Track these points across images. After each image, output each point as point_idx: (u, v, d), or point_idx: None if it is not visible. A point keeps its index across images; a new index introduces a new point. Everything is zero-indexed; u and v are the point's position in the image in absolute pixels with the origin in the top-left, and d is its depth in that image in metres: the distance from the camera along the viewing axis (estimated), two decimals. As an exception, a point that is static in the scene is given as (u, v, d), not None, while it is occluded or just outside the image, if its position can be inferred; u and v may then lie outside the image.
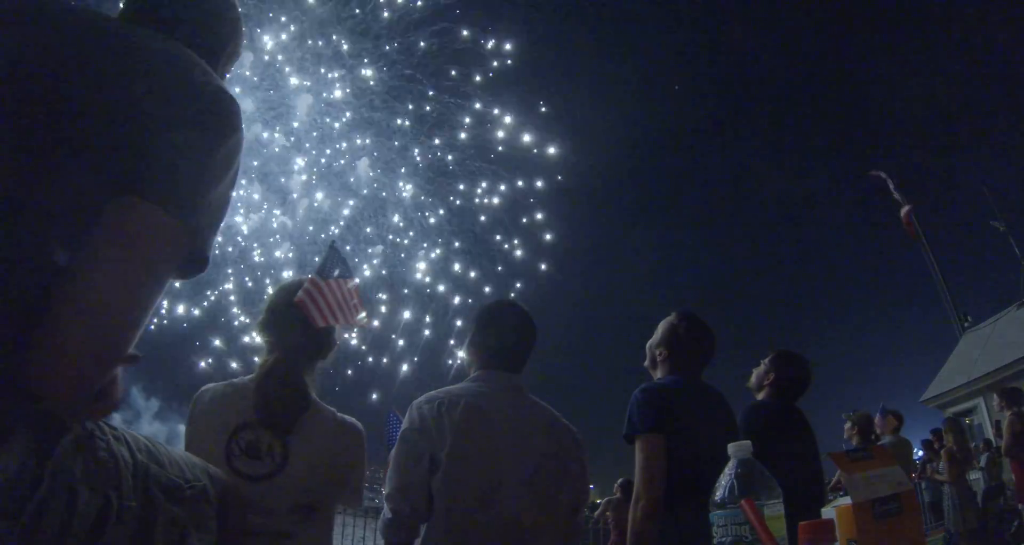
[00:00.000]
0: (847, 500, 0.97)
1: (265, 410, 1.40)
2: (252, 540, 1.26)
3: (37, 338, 0.63)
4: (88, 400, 0.66)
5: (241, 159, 0.80)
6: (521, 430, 1.62)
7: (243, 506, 1.09)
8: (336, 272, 1.68)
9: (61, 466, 0.59)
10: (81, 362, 0.63)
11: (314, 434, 1.45)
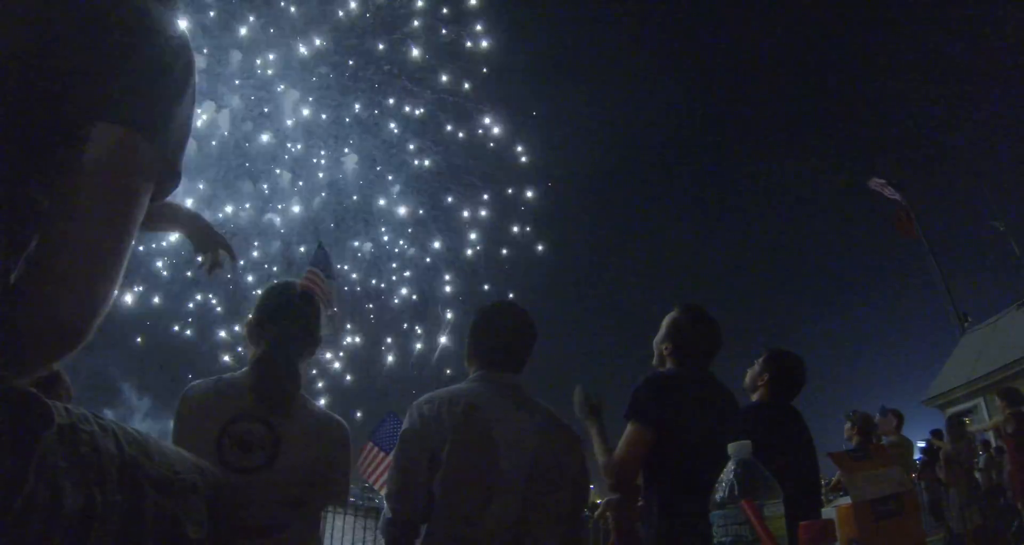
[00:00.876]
0: (847, 500, 0.97)
1: (260, 393, 1.44)
2: (242, 535, 1.27)
3: (25, 275, 0.63)
4: (83, 337, 0.65)
5: (195, 81, 0.82)
6: (521, 430, 1.62)
7: (234, 501, 1.09)
8: (320, 271, 1.75)
9: (45, 462, 0.58)
10: (75, 293, 0.63)
11: (303, 428, 1.48)
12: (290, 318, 1.56)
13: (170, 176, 0.76)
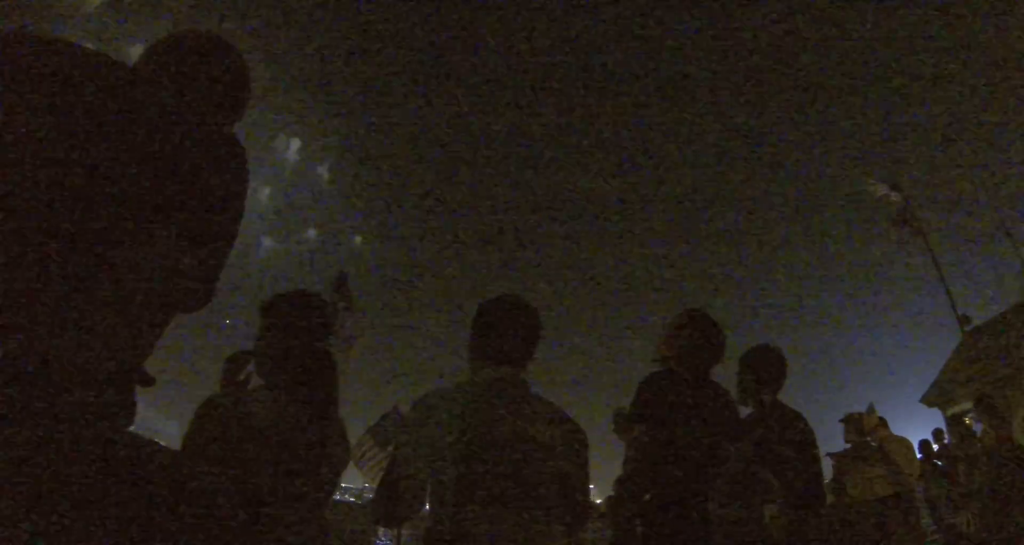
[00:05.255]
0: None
1: (314, 404, 1.59)
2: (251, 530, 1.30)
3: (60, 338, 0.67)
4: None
5: (244, 202, 0.90)
6: (524, 427, 1.62)
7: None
8: (342, 305, 1.89)
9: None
10: (92, 373, 0.68)
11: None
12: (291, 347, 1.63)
13: (204, 289, 0.83)
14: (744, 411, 2.60)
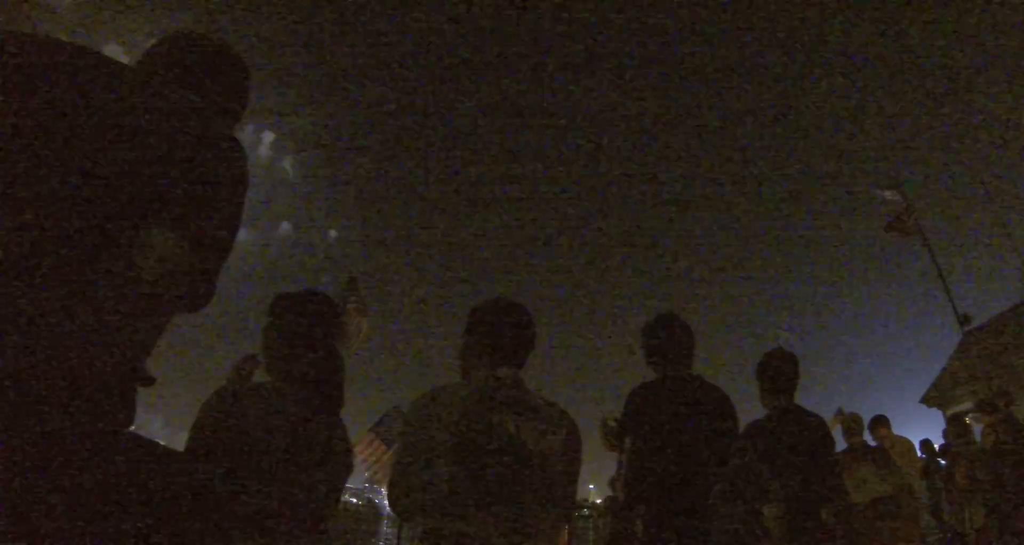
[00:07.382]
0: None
1: (327, 396, 1.63)
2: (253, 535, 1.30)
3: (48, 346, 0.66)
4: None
5: (246, 197, 0.90)
6: (521, 426, 1.63)
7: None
8: (352, 300, 1.91)
9: None
10: (92, 374, 0.67)
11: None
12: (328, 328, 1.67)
13: (205, 288, 0.83)
14: (758, 414, 2.63)
